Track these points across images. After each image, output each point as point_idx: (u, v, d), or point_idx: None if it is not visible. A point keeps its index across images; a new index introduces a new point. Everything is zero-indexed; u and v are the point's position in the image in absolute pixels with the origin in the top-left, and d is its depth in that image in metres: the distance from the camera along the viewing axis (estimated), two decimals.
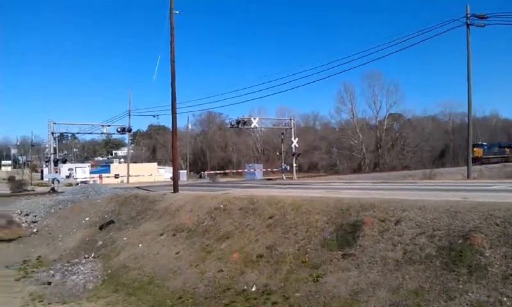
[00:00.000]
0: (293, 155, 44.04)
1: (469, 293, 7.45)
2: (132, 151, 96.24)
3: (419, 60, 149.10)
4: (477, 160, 65.83)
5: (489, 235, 8.60)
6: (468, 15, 29.34)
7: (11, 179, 46.88)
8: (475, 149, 68.37)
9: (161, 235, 16.39)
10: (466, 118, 34.33)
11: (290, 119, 46.79)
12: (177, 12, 24.23)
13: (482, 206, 9.84)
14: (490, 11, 29.49)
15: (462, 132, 69.82)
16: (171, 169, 36.80)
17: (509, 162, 69.82)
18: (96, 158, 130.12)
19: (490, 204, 9.93)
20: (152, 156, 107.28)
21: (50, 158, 37.39)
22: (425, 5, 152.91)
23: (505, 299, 7.04)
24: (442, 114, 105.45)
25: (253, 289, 10.64)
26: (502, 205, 9.67)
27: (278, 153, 50.44)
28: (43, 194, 30.97)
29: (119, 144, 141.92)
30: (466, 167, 33.20)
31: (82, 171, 58.87)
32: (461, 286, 7.69)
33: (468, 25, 29.41)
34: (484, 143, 74.22)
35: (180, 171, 50.79)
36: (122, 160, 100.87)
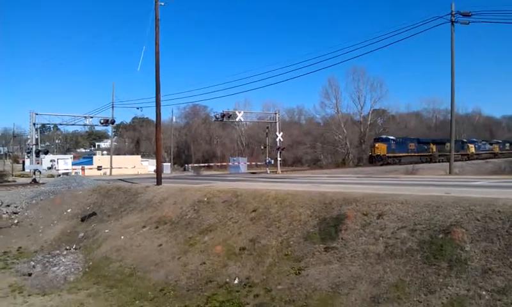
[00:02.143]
0: (277, 149, 44.10)
1: (449, 287, 7.53)
2: (116, 143, 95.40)
3: (404, 56, 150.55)
4: (377, 159, 55.49)
5: (470, 229, 8.69)
6: (453, 13, 29.62)
7: None
8: (376, 145, 57.69)
9: (144, 227, 16.30)
10: (449, 115, 34.60)
11: (275, 114, 46.79)
12: (162, 4, 24.03)
13: (464, 202, 9.92)
14: (475, 9, 29.59)
15: (445, 128, 69.33)
16: (154, 161, 36.65)
17: (433, 161, 58.80)
18: (78, 150, 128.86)
19: (471, 200, 10.02)
20: (136, 148, 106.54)
21: (31, 149, 36.81)
22: (415, 2, 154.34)
23: (483, 292, 7.12)
24: (425, 110, 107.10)
25: (236, 281, 10.64)
26: (483, 201, 9.76)
27: (262, 147, 50.58)
28: (24, 185, 30.57)
29: (102, 136, 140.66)
30: (448, 164, 33.59)
31: (64, 163, 58.05)
32: (441, 280, 7.76)
33: (452, 23, 29.69)
34: (391, 137, 61.29)
35: (164, 164, 50.65)
36: (105, 152, 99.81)
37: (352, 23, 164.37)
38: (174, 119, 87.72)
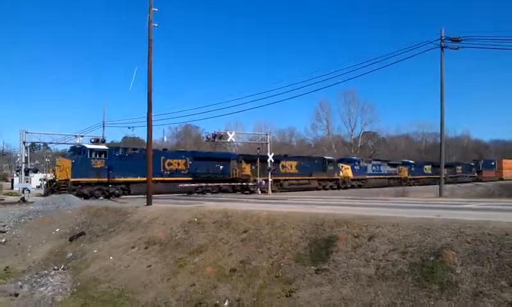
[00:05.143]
0: (268, 170, 44.08)
1: None
2: None
3: (394, 80, 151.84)
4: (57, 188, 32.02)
5: (461, 252, 8.70)
6: (443, 38, 30.07)
7: None
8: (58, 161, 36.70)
9: (133, 247, 16.14)
10: (439, 138, 34.92)
11: (267, 135, 46.94)
12: (156, 25, 24.07)
13: (454, 224, 9.96)
14: (464, 34, 30.07)
15: (435, 151, 69.42)
16: None
17: (243, 191, 43.06)
18: None
19: (462, 223, 10.07)
20: None
21: (21, 167, 36.60)
22: (405, 25, 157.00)
23: None
24: (415, 133, 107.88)
25: (226, 303, 10.52)
26: (473, 223, 9.81)
27: (253, 168, 50.44)
28: (12, 203, 30.19)
29: None
30: (438, 186, 33.73)
31: None
32: (432, 303, 7.74)
33: (442, 48, 30.11)
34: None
35: None
36: None
37: (342, 47, 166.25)
38: (165, 139, 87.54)
